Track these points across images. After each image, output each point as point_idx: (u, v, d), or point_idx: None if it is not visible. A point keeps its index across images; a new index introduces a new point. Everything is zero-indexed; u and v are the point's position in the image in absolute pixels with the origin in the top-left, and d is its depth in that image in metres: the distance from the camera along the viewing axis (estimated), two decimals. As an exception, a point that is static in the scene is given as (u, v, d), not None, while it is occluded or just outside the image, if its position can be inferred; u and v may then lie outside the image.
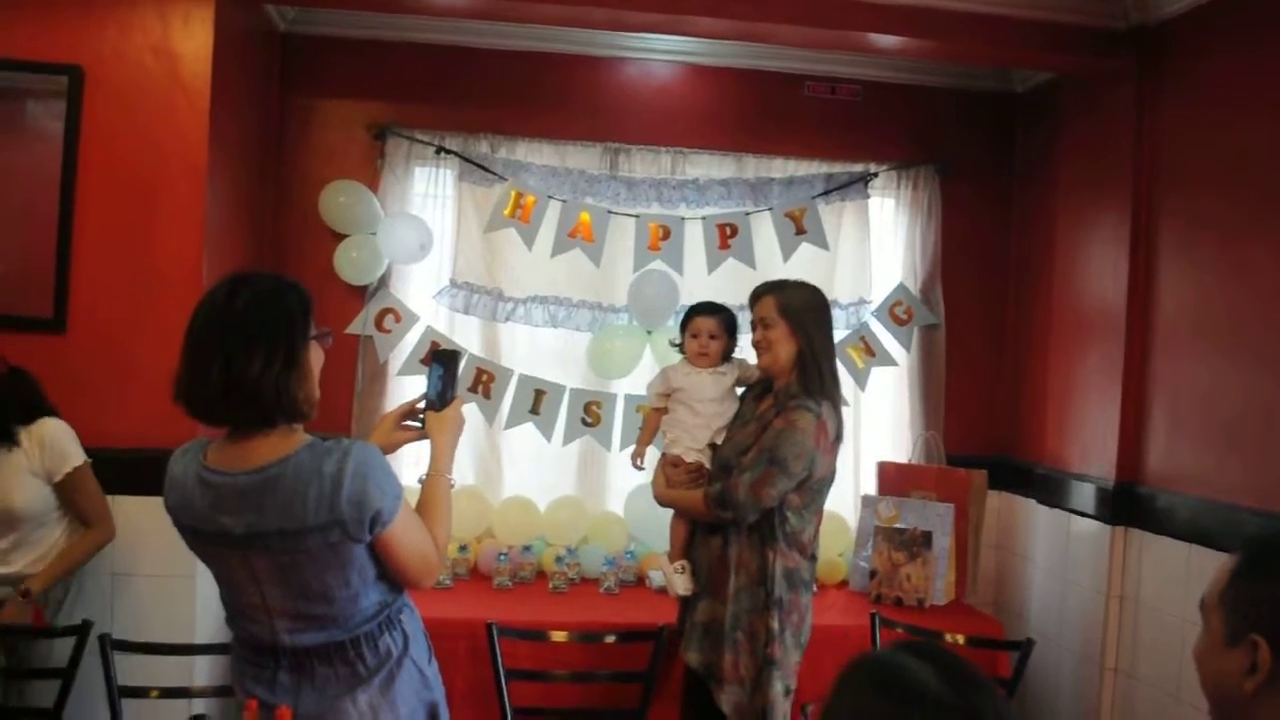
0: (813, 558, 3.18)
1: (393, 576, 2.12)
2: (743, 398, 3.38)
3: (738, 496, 3.00)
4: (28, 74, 3.39)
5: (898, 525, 4.28)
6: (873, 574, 4.27)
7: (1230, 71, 3.53)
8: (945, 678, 1.20)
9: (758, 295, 3.21)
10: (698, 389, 3.34)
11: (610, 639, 3.12)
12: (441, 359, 2.38)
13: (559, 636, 2.93)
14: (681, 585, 3.24)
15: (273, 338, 1.97)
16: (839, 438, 3.15)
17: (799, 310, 3.11)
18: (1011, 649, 3.47)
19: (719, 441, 3.30)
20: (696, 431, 3.32)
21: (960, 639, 3.40)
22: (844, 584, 4.46)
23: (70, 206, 3.37)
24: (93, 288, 3.40)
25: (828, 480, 3.15)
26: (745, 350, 3.42)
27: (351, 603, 2.06)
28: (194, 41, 3.44)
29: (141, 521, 3.29)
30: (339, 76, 4.38)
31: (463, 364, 2.86)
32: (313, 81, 4.36)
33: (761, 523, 3.06)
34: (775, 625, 3.02)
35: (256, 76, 4.05)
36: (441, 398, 2.36)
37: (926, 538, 4.20)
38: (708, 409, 3.32)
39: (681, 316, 3.60)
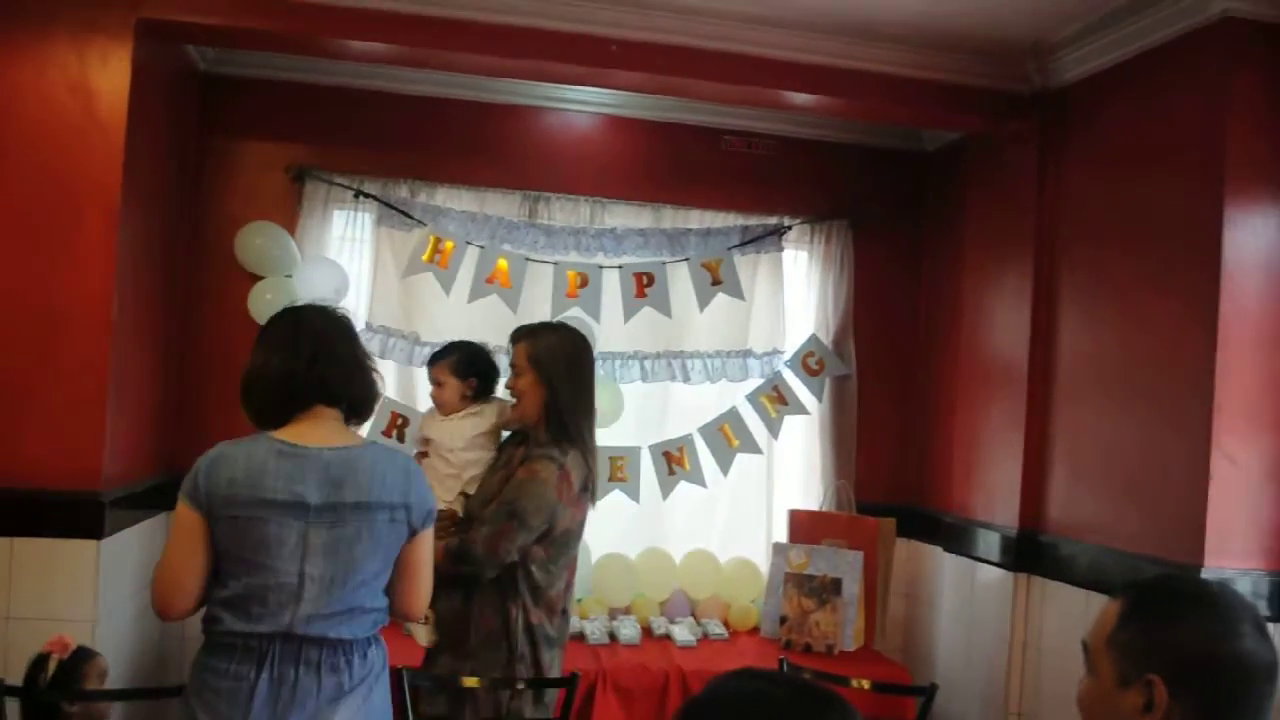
0: (564, 613, 3.08)
1: (396, 594, 2.37)
2: (504, 442, 3.25)
3: (475, 551, 2.87)
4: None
5: (808, 572, 4.34)
6: (783, 620, 4.31)
7: (1126, 133, 3.71)
8: (796, 694, 1.25)
9: (514, 339, 3.13)
10: (445, 438, 3.20)
11: (520, 686, 3.09)
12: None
13: (471, 682, 2.91)
14: (423, 636, 3.07)
15: (359, 346, 2.44)
16: (587, 488, 3.07)
17: (548, 358, 3.04)
18: (916, 694, 3.52)
19: (471, 491, 3.18)
20: (447, 481, 3.17)
21: (865, 684, 3.44)
22: (755, 630, 4.49)
23: (-27, 242, 3.31)
24: (-2, 320, 3.34)
25: (574, 533, 3.05)
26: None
27: (374, 597, 2.30)
28: (111, 80, 3.41)
29: (37, 564, 3.24)
30: (259, 117, 4.37)
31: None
32: (232, 122, 4.34)
33: (504, 577, 2.93)
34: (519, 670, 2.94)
35: (175, 115, 4.02)
36: None
37: (836, 584, 4.27)
38: (458, 458, 3.18)
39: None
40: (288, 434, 2.28)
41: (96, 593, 3.27)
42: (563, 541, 2.98)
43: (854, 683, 3.47)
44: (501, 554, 2.87)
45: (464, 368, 3.27)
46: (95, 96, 3.40)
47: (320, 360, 2.30)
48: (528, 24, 3.75)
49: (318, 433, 2.29)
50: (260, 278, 4.23)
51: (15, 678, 2.77)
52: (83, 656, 2.85)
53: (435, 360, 3.33)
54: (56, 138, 3.39)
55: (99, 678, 2.87)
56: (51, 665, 2.79)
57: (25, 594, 3.25)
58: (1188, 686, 1.45)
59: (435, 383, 3.28)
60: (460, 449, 3.17)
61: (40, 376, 3.31)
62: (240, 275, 4.22)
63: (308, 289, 4.14)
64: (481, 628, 2.94)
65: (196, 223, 4.28)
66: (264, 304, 4.12)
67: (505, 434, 3.28)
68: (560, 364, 3.04)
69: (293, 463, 2.22)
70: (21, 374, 3.30)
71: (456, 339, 3.59)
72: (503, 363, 3.47)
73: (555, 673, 3.04)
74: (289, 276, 4.21)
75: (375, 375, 2.46)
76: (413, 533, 2.35)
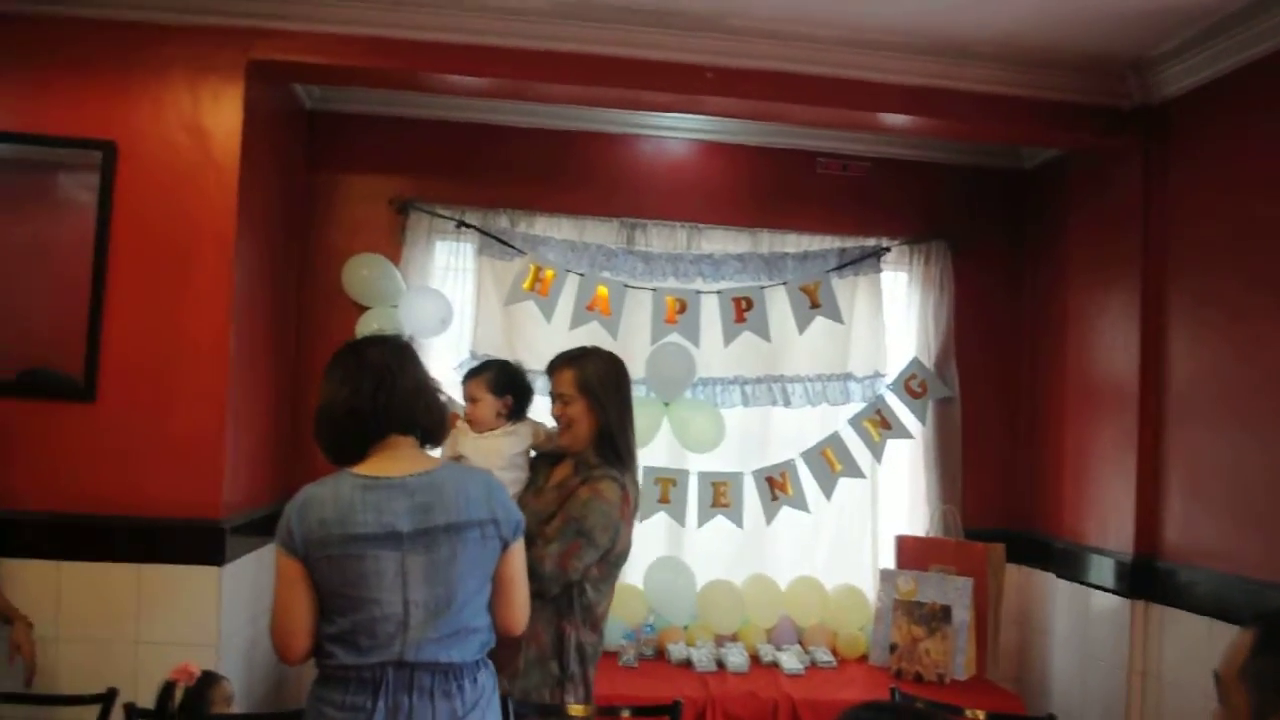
0: (601, 633, 3.05)
1: (497, 609, 2.40)
2: (534, 463, 3.20)
3: (544, 568, 2.80)
4: (63, 149, 3.48)
5: (917, 599, 4.27)
6: (893, 648, 4.24)
7: (1234, 147, 3.62)
8: None
9: (555, 367, 3.11)
10: (482, 456, 3.10)
11: (626, 714, 3.08)
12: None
13: (576, 710, 2.90)
14: None
15: (423, 371, 2.46)
16: (636, 509, 3.07)
17: (597, 384, 3.02)
18: (1033, 724, 3.43)
19: None
20: None
21: (980, 715, 3.36)
22: (863, 658, 4.42)
23: (102, 277, 3.44)
24: (123, 357, 3.44)
25: (625, 554, 3.04)
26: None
27: (477, 615, 2.33)
28: (224, 119, 3.53)
29: (163, 590, 3.33)
30: (363, 152, 4.48)
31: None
32: (338, 157, 4.47)
33: (560, 595, 2.89)
34: (570, 699, 2.90)
35: (283, 152, 4.14)
36: None
37: (946, 612, 4.18)
38: (497, 476, 3.05)
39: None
40: (368, 468, 2.31)
41: (218, 617, 3.35)
42: (617, 561, 2.98)
43: (969, 713, 3.40)
44: (570, 571, 2.85)
45: (501, 385, 3.19)
46: (209, 136, 3.53)
47: (384, 391, 2.33)
48: (621, 53, 3.80)
49: (397, 463, 2.32)
50: (367, 308, 4.31)
51: (146, 700, 2.84)
52: (208, 682, 2.91)
53: (471, 376, 3.26)
54: (174, 176, 3.52)
55: (224, 702, 2.93)
56: (179, 693, 2.84)
57: (153, 619, 3.34)
58: None
59: (470, 399, 3.20)
60: (500, 468, 3.09)
61: (164, 409, 3.42)
62: (348, 306, 4.32)
63: (413, 319, 4.21)
64: (533, 646, 2.90)
65: (305, 256, 4.40)
66: (371, 333, 4.17)
67: (532, 454, 3.24)
68: (609, 388, 3.04)
69: (379, 494, 2.25)
70: (147, 407, 3.42)
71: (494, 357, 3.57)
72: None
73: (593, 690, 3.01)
74: (394, 307, 4.28)
75: (442, 397, 2.49)
76: (505, 546, 2.37)
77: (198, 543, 3.34)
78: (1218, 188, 3.69)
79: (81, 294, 3.42)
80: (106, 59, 3.52)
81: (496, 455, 3.11)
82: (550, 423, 3.15)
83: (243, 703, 3.52)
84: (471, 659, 2.34)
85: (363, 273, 4.28)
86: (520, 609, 2.46)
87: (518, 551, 2.42)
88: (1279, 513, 3.30)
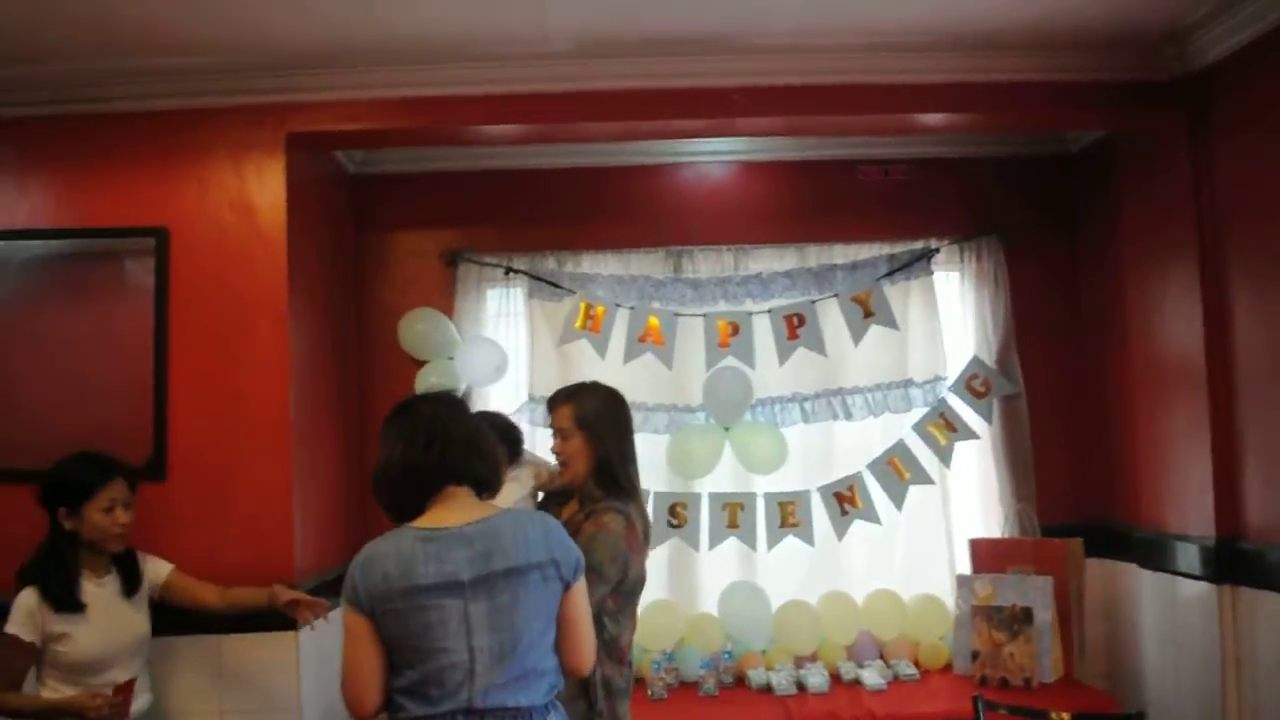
0: (629, 664, 3.05)
1: (562, 650, 2.43)
2: (543, 505, 3.26)
3: None
4: (118, 238, 3.67)
5: (995, 603, 4.21)
6: (975, 656, 4.19)
7: (1280, 106, 3.51)
8: None
9: (553, 404, 3.15)
10: None
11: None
12: None
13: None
14: None
15: (474, 422, 2.54)
16: (647, 538, 3.08)
17: (594, 418, 3.05)
18: (1120, 722, 3.36)
19: None
20: None
21: (1066, 716, 3.31)
22: (947, 668, 4.38)
23: (164, 358, 3.60)
24: (189, 433, 3.58)
25: (640, 582, 3.04)
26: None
27: (544, 658, 2.37)
28: (268, 193, 3.68)
29: (244, 658, 3.44)
30: (408, 210, 4.61)
31: None
32: (384, 217, 4.59)
33: None
34: None
35: (331, 217, 4.27)
36: None
37: (1027, 613, 4.12)
38: None
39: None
40: (426, 521, 2.35)
41: (298, 681, 3.44)
42: (631, 591, 2.98)
43: (1053, 715, 3.36)
44: (592, 608, 2.78)
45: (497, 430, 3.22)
46: (255, 211, 3.67)
47: (437, 444, 2.39)
48: (647, 85, 3.86)
49: (454, 513, 2.36)
50: (424, 362, 4.40)
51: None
52: None
53: None
54: (225, 253, 3.67)
55: None
56: None
57: (236, 688, 3.45)
58: None
59: None
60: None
61: (232, 480, 3.54)
62: (405, 361, 4.42)
63: (469, 369, 4.29)
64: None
65: (360, 315, 4.53)
66: (430, 387, 4.28)
67: (540, 495, 3.29)
68: (605, 422, 3.06)
69: (438, 545, 2.29)
70: (215, 480, 3.54)
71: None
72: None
73: None
74: (451, 359, 4.36)
75: (494, 448, 2.56)
76: (566, 586, 2.40)
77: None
78: (1270, 147, 3.57)
79: (145, 375, 3.58)
80: (152, 147, 3.69)
81: (504, 502, 3.09)
82: (552, 459, 3.19)
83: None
84: (541, 702, 2.37)
85: (417, 327, 4.38)
86: (585, 648, 2.48)
87: (579, 591, 2.45)
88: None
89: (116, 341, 3.62)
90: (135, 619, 3.18)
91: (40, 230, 3.67)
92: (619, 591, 2.92)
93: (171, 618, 3.33)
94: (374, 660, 2.28)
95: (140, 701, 3.15)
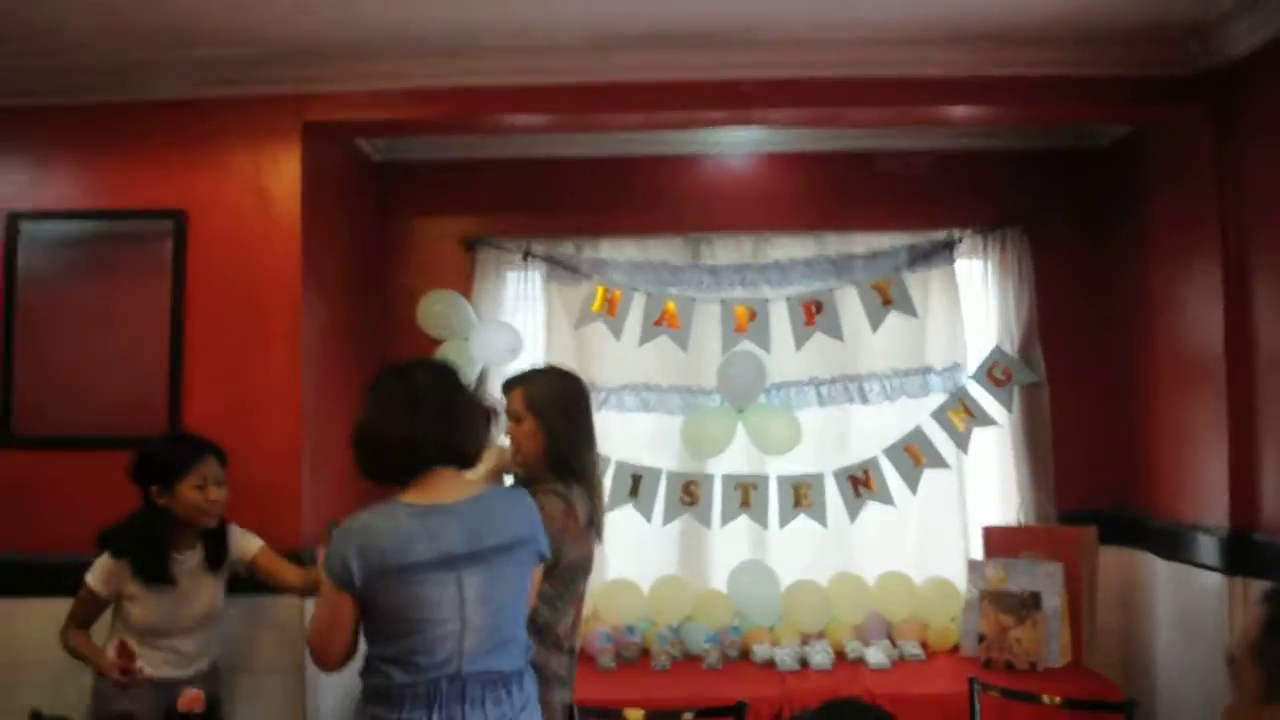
0: (570, 651, 3.00)
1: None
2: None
3: None
4: (138, 220, 3.84)
5: (1005, 588, 4.22)
6: (980, 638, 4.20)
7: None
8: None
9: (507, 387, 3.11)
10: None
11: (688, 716, 3.14)
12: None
13: (634, 715, 2.98)
14: None
15: (472, 401, 2.58)
16: (593, 523, 3.03)
17: (545, 402, 3.01)
18: (1110, 710, 3.35)
19: None
20: None
21: (1057, 700, 3.32)
22: (955, 651, 4.39)
23: (180, 338, 3.76)
24: (203, 412, 3.72)
25: (580, 568, 3.00)
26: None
27: (519, 626, 2.50)
28: (284, 180, 3.81)
29: (251, 621, 3.63)
30: (430, 196, 4.75)
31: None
32: (407, 203, 4.74)
33: None
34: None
35: (352, 203, 4.42)
36: None
37: (1035, 598, 4.12)
38: None
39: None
40: (418, 496, 2.40)
41: (303, 643, 3.52)
42: (568, 576, 2.93)
43: (1045, 699, 3.36)
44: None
45: None
46: (271, 197, 3.82)
47: (433, 422, 2.41)
48: (660, 78, 3.90)
49: (447, 490, 2.43)
50: (442, 342, 4.52)
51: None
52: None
53: None
54: (241, 237, 3.81)
55: None
56: None
57: (246, 645, 3.62)
58: None
59: None
60: None
61: (244, 457, 3.61)
62: (425, 342, 4.52)
63: (483, 351, 4.40)
64: None
65: (382, 296, 4.68)
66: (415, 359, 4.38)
67: (508, 480, 3.23)
68: (557, 405, 3.03)
69: (434, 521, 2.36)
70: (232, 455, 3.60)
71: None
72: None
73: (563, 714, 2.98)
74: (466, 340, 4.48)
75: (484, 426, 2.61)
76: (541, 559, 2.55)
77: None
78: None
79: (162, 353, 3.74)
80: (173, 135, 3.85)
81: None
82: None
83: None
84: (518, 667, 2.48)
85: (436, 308, 4.50)
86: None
87: (542, 565, 2.60)
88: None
89: (137, 319, 3.79)
90: (209, 593, 3.28)
91: (66, 211, 3.86)
92: (554, 575, 2.86)
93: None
94: (350, 632, 2.37)
95: (201, 663, 3.28)
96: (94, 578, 3.16)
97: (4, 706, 3.14)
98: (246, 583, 3.43)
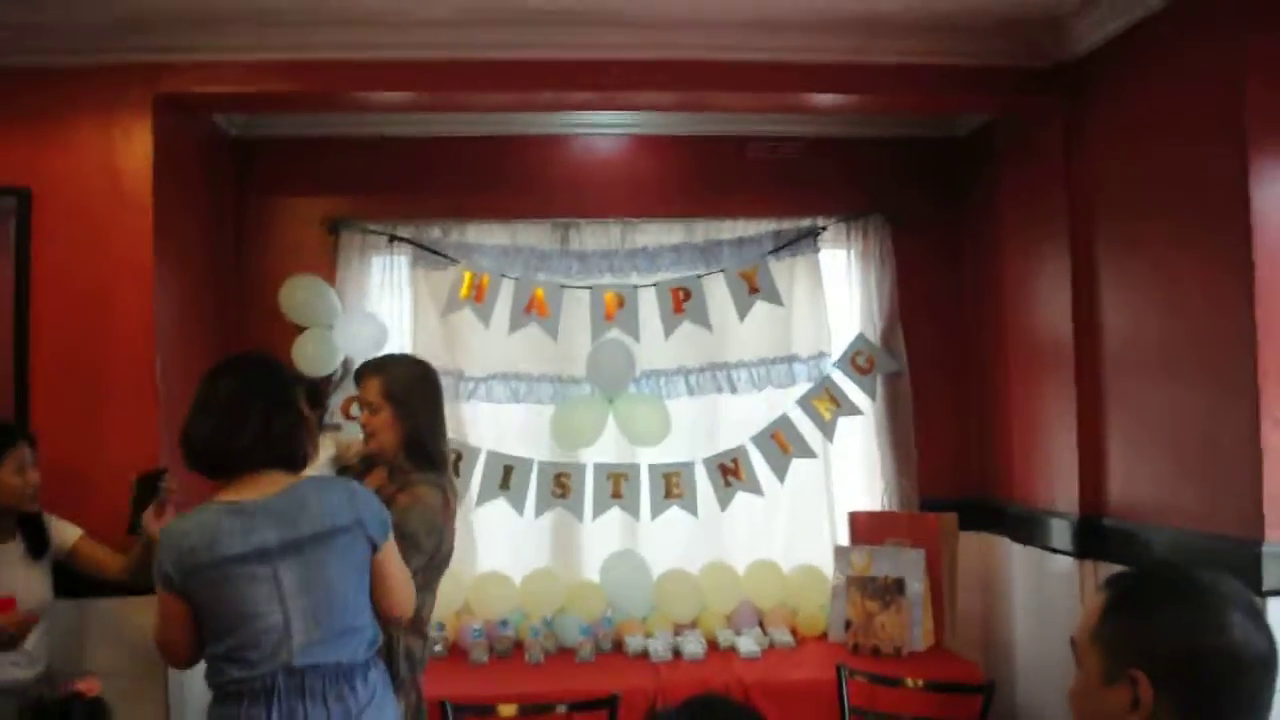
0: (427, 636, 3.02)
1: (377, 601, 2.48)
2: (340, 475, 3.13)
3: None
4: (-23, 197, 3.56)
5: (870, 574, 4.29)
6: (848, 624, 4.26)
7: (1146, 99, 3.59)
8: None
9: (360, 375, 3.09)
10: None
11: (561, 709, 3.11)
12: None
13: (507, 711, 2.93)
14: None
15: (294, 402, 2.50)
16: (454, 514, 3.04)
17: (403, 391, 2.99)
18: (971, 692, 3.44)
19: None
20: None
21: (920, 684, 3.39)
22: (824, 637, 4.45)
23: (25, 321, 3.52)
24: (51, 397, 3.51)
25: (448, 558, 3.00)
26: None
27: (359, 615, 2.43)
28: (135, 156, 3.60)
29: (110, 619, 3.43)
30: (291, 174, 4.54)
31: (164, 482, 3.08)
32: (267, 181, 4.53)
33: None
34: (401, 707, 2.80)
35: (209, 181, 4.21)
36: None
37: (899, 584, 4.21)
38: None
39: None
40: (232, 494, 2.39)
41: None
42: (440, 565, 2.95)
43: (909, 683, 3.43)
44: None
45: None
46: (122, 173, 3.60)
47: (239, 433, 2.39)
48: (528, 56, 3.81)
49: (259, 487, 2.39)
50: (303, 329, 4.34)
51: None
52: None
53: None
54: (90, 216, 3.59)
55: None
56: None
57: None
58: (1171, 682, 1.40)
59: None
60: None
61: (99, 440, 3.49)
62: (286, 327, 4.34)
63: (347, 341, 4.26)
64: None
65: (242, 280, 4.47)
66: (306, 356, 4.24)
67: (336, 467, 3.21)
68: (415, 394, 3.01)
69: (246, 517, 2.34)
70: (83, 439, 3.49)
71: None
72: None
73: (422, 692, 3.00)
74: (330, 328, 4.31)
75: (298, 428, 2.50)
76: (374, 546, 2.45)
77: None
78: (1134, 139, 3.67)
79: (5, 341, 3.50)
80: (16, 107, 3.59)
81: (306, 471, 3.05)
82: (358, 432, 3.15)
83: None
84: (361, 659, 2.43)
85: (298, 295, 4.32)
86: (401, 596, 2.55)
87: (390, 549, 2.50)
88: (1215, 463, 3.29)
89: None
90: (36, 583, 3.15)
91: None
92: (429, 566, 2.88)
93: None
94: (185, 631, 2.37)
95: (36, 669, 3.12)
96: None
97: None
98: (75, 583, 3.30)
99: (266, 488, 2.39)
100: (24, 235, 3.54)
